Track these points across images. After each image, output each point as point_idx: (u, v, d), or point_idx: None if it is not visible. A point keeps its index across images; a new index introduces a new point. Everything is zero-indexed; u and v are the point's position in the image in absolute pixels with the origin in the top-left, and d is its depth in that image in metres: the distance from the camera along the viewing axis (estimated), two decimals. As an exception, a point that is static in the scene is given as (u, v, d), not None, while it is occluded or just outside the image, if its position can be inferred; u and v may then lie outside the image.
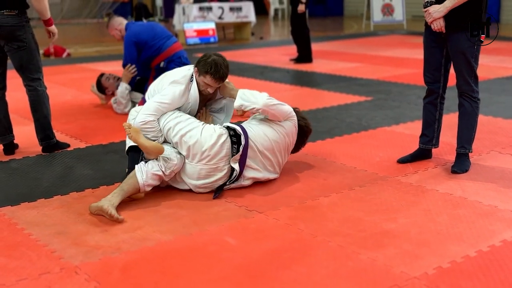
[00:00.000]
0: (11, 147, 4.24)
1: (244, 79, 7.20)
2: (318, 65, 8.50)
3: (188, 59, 5.44)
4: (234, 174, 3.30)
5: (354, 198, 3.25)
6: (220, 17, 12.35)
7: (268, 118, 3.47)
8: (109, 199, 3.04)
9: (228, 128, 3.34)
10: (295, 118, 3.56)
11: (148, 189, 3.22)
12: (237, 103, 3.43)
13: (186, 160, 3.29)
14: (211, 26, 12.13)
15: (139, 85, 5.47)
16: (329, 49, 10.54)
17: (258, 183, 3.46)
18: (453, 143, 4.00)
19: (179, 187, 3.37)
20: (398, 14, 13.85)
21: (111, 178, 3.65)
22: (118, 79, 5.61)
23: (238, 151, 3.27)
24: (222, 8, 12.38)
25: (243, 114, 3.63)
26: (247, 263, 2.53)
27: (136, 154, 3.31)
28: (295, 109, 3.62)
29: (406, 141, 4.33)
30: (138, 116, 3.36)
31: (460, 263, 2.48)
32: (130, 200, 3.22)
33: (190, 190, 3.37)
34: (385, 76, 7.38)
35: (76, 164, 3.96)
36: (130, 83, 5.37)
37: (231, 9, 12.48)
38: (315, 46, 9.49)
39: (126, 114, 5.41)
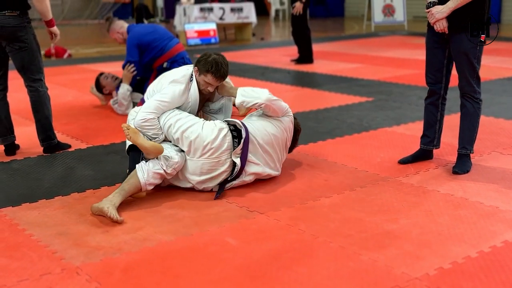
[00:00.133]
0: (12, 148, 4.24)
1: (245, 80, 7.20)
2: (319, 66, 8.50)
3: (190, 60, 5.45)
4: (235, 169, 3.31)
5: (355, 199, 3.25)
6: (221, 18, 12.36)
7: (267, 114, 3.49)
8: (110, 199, 3.05)
9: (228, 123, 3.37)
10: (291, 114, 3.62)
11: (150, 188, 3.22)
12: (238, 100, 3.44)
13: (188, 156, 3.29)
14: (212, 27, 12.13)
15: (139, 85, 5.48)
16: (330, 49, 10.54)
17: (259, 183, 3.47)
18: (454, 144, 3.99)
19: (180, 185, 3.37)
20: (399, 15, 13.85)
21: (112, 178, 3.65)
22: (116, 79, 5.63)
23: (239, 144, 3.28)
24: (223, 8, 12.38)
25: (245, 114, 3.64)
26: (248, 263, 2.53)
27: (137, 154, 3.32)
28: None
29: (407, 141, 4.33)
30: (138, 114, 3.37)
31: (461, 264, 2.48)
32: (131, 200, 3.22)
33: (191, 190, 3.38)
34: (386, 76, 7.38)
35: (77, 165, 3.96)
36: (130, 84, 5.37)
37: (232, 9, 12.48)
38: (316, 47, 9.50)
39: (127, 114, 5.42)
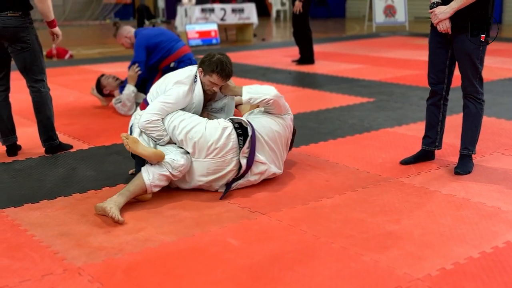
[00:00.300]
0: (14, 148, 4.24)
1: (246, 81, 7.20)
2: (320, 67, 8.50)
3: (196, 61, 5.48)
4: (242, 169, 3.31)
5: (357, 200, 3.25)
6: (222, 19, 12.36)
7: (270, 111, 3.50)
8: (115, 199, 3.05)
9: (232, 121, 3.36)
10: (291, 112, 3.65)
11: (155, 189, 3.22)
12: (245, 97, 3.44)
13: (193, 158, 3.29)
14: (213, 27, 12.13)
15: (141, 86, 5.49)
16: (331, 50, 10.54)
17: (260, 183, 3.46)
18: (456, 145, 3.99)
19: (187, 187, 3.37)
20: (400, 16, 13.85)
21: (114, 179, 3.66)
22: (117, 79, 5.66)
23: (245, 142, 3.28)
24: (224, 9, 12.39)
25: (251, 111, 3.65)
26: (249, 264, 2.53)
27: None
28: None
29: (409, 142, 4.33)
30: (142, 116, 3.37)
31: (464, 265, 2.48)
32: (133, 201, 3.22)
33: (193, 190, 3.37)
34: (387, 77, 7.37)
35: (79, 165, 3.97)
36: (135, 85, 5.39)
37: (233, 10, 12.48)
38: (317, 48, 9.49)
39: (129, 115, 5.41)
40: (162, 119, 3.35)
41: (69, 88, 7.04)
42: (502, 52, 9.38)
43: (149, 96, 3.58)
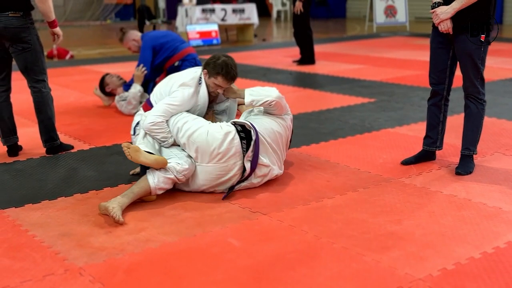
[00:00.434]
0: (15, 149, 4.24)
1: (247, 81, 7.21)
2: (321, 67, 8.50)
3: (200, 62, 5.52)
4: (245, 173, 3.30)
5: (358, 200, 3.25)
6: (223, 19, 12.36)
7: (271, 112, 3.49)
8: (119, 200, 3.05)
9: (235, 124, 3.34)
10: (290, 112, 3.64)
11: (160, 192, 3.23)
12: (248, 99, 3.44)
13: (196, 163, 3.28)
14: (214, 28, 12.14)
15: (144, 85, 5.51)
16: (331, 50, 10.54)
17: (262, 184, 3.46)
18: (457, 145, 3.99)
19: (190, 189, 3.36)
20: (401, 16, 13.85)
21: (115, 179, 3.66)
22: (121, 79, 5.70)
23: (248, 146, 3.27)
24: (225, 10, 12.39)
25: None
26: (250, 264, 2.53)
27: None
28: None
29: (410, 142, 4.33)
30: (147, 117, 3.36)
31: (465, 265, 2.48)
32: (138, 201, 3.21)
33: (195, 191, 3.37)
34: (388, 77, 7.37)
35: (80, 166, 3.97)
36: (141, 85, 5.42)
37: (234, 11, 12.48)
38: (317, 48, 9.49)
39: (131, 115, 5.42)
40: (167, 121, 3.35)
41: (70, 88, 7.05)
42: (503, 52, 9.37)
43: (152, 97, 3.57)
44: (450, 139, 4.22)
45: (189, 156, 3.28)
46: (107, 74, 5.80)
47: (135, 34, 5.61)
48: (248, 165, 3.29)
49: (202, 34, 11.99)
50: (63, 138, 4.56)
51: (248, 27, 12.96)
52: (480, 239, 2.72)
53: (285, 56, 9.77)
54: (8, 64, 4.14)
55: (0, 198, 3.39)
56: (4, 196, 3.43)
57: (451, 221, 2.94)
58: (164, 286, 2.37)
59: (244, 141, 3.29)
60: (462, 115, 3.73)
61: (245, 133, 3.31)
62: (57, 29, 4.17)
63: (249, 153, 3.28)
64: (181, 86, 3.42)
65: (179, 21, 12.65)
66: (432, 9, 3.53)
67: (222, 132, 3.25)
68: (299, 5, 8.31)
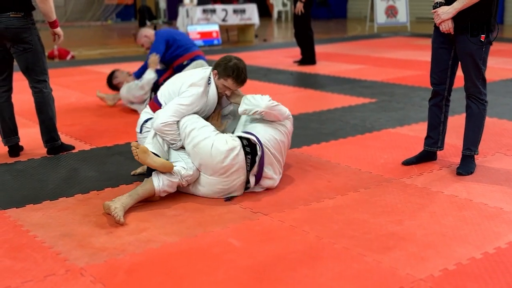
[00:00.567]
0: (16, 149, 4.25)
1: (248, 81, 7.15)
2: (321, 67, 8.50)
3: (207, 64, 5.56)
4: (249, 186, 3.30)
5: (359, 200, 3.25)
6: (223, 20, 12.36)
7: (269, 120, 3.45)
8: (123, 200, 3.06)
9: (241, 137, 3.28)
10: (291, 117, 3.59)
11: (164, 195, 3.23)
12: (240, 108, 3.44)
13: (201, 172, 3.28)
14: (214, 28, 12.13)
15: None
16: (332, 51, 10.54)
17: (262, 185, 3.46)
18: (458, 145, 3.99)
19: (190, 193, 3.36)
20: (402, 16, 13.84)
21: (116, 180, 3.66)
22: (130, 75, 5.74)
23: (253, 161, 3.24)
24: (225, 10, 12.39)
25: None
26: (251, 264, 2.52)
27: None
28: None
29: (411, 143, 4.33)
30: (158, 117, 3.33)
31: (466, 265, 2.48)
32: (141, 201, 3.21)
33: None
34: (389, 78, 7.37)
35: (81, 166, 3.97)
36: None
37: (235, 11, 12.48)
38: (318, 48, 9.49)
39: (133, 113, 5.42)
40: (178, 122, 3.32)
41: (70, 88, 7.05)
42: (504, 52, 9.37)
43: (160, 96, 3.54)
44: (451, 139, 4.22)
45: None
46: (117, 70, 5.90)
47: (148, 31, 5.69)
48: (252, 180, 3.29)
49: (203, 34, 11.99)
50: (64, 138, 4.56)
51: (249, 27, 12.96)
52: (481, 240, 2.72)
53: (286, 57, 9.77)
54: (9, 64, 4.14)
55: (1, 198, 3.39)
56: (5, 196, 3.43)
57: (452, 221, 2.94)
58: (165, 287, 2.37)
59: (249, 156, 3.24)
60: (463, 115, 3.73)
61: (251, 147, 3.25)
62: (58, 29, 4.17)
63: (255, 168, 3.26)
64: (191, 86, 3.40)
65: (180, 21, 12.65)
66: (434, 9, 3.53)
67: (226, 147, 3.19)
68: (300, 6, 8.32)
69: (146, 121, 3.57)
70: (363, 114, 5.34)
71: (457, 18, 3.45)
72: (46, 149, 4.25)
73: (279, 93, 6.43)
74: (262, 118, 3.46)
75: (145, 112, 3.62)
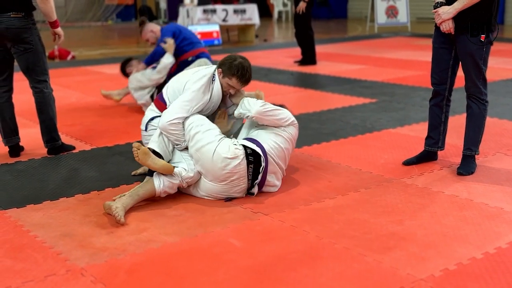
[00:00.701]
0: (16, 149, 4.25)
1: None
2: (322, 67, 8.50)
3: (212, 62, 5.59)
4: (253, 193, 3.29)
5: (360, 200, 3.25)
6: (224, 20, 12.37)
7: (266, 124, 3.42)
8: (123, 200, 3.06)
9: (245, 147, 3.23)
10: (296, 122, 3.51)
11: (164, 195, 3.23)
12: (236, 111, 3.44)
13: (202, 175, 3.27)
14: (215, 28, 12.14)
15: None
16: (333, 51, 10.54)
17: (263, 185, 3.46)
18: (459, 145, 3.99)
19: (190, 194, 3.36)
20: (403, 16, 13.84)
21: (117, 180, 3.66)
22: (140, 63, 5.73)
23: (256, 172, 3.21)
24: (226, 10, 12.39)
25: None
26: (252, 264, 2.52)
27: None
28: (283, 106, 3.58)
29: (411, 143, 4.32)
30: (163, 116, 3.32)
31: (467, 265, 2.48)
32: (141, 201, 3.21)
33: (195, 193, 3.38)
34: (389, 78, 7.37)
35: (81, 166, 3.97)
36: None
37: (235, 11, 12.49)
38: (319, 48, 9.49)
39: (134, 114, 5.42)
40: (183, 122, 3.30)
41: (71, 89, 7.05)
42: (505, 52, 9.37)
43: (165, 93, 3.53)
44: (451, 140, 4.22)
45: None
46: (134, 59, 5.88)
47: (154, 26, 5.70)
48: (256, 189, 3.28)
49: (203, 34, 11.99)
50: (65, 138, 4.56)
51: (249, 27, 12.96)
52: (482, 240, 2.72)
53: (287, 57, 9.77)
54: (10, 64, 4.14)
55: (1, 198, 3.39)
56: (6, 196, 3.43)
57: (453, 221, 2.94)
58: (166, 287, 2.36)
59: (251, 165, 3.21)
60: (464, 115, 3.73)
61: (254, 156, 3.21)
62: (59, 29, 4.17)
63: (258, 179, 3.24)
64: (194, 83, 3.38)
65: (181, 21, 12.65)
66: (434, 9, 3.53)
67: (228, 155, 3.15)
68: (303, 6, 8.31)
69: (152, 119, 3.56)
70: (364, 114, 5.34)
71: (458, 18, 3.44)
72: (46, 149, 4.25)
73: (279, 93, 6.43)
74: (258, 123, 3.44)
75: (151, 110, 3.61)
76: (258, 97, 3.57)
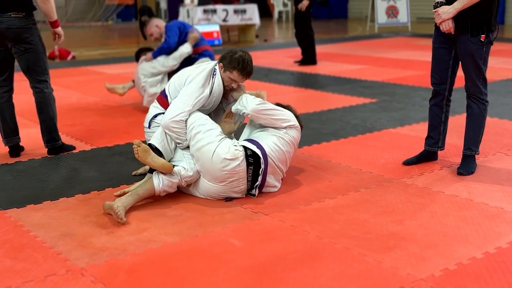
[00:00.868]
0: (17, 149, 4.25)
1: (249, 81, 7.16)
2: (322, 67, 8.50)
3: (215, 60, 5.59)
4: (254, 194, 3.29)
5: (360, 200, 3.25)
6: (224, 20, 12.37)
7: (263, 124, 3.42)
8: (123, 200, 3.06)
9: (245, 148, 3.23)
10: (298, 125, 3.48)
11: (163, 194, 3.24)
12: (234, 107, 3.44)
13: (201, 175, 3.27)
14: (215, 28, 12.14)
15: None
16: (333, 51, 10.54)
17: (263, 185, 3.46)
18: (459, 145, 3.99)
19: (189, 193, 3.37)
20: (403, 16, 13.84)
21: (117, 180, 3.66)
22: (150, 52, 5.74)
23: (255, 172, 3.21)
24: (226, 10, 12.39)
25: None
26: (252, 264, 2.52)
27: None
28: (287, 107, 3.58)
29: (412, 143, 4.32)
30: (166, 113, 3.32)
31: (467, 265, 2.48)
32: (141, 201, 3.21)
33: (195, 193, 3.38)
34: (389, 78, 7.37)
35: (81, 166, 3.97)
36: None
37: (236, 11, 12.49)
38: (319, 48, 9.50)
39: (134, 114, 5.42)
40: (186, 119, 3.29)
41: (71, 89, 7.05)
42: (505, 52, 9.37)
43: (167, 90, 3.53)
44: (452, 139, 4.22)
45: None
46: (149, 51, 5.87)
47: (159, 21, 5.74)
48: (255, 191, 3.28)
49: (204, 34, 11.84)
50: (65, 138, 4.56)
51: (250, 27, 12.96)
52: (482, 239, 2.72)
53: (287, 57, 9.77)
54: (11, 64, 4.14)
55: (1, 198, 3.39)
56: (6, 196, 3.43)
57: (453, 221, 2.93)
58: (166, 287, 2.36)
59: (251, 167, 3.21)
60: (464, 115, 3.73)
61: (254, 158, 3.21)
62: (59, 29, 4.17)
63: (258, 180, 3.24)
64: (194, 78, 3.38)
65: (181, 21, 12.64)
66: (434, 8, 3.53)
67: (228, 156, 3.14)
68: (305, 3, 8.31)
69: (155, 116, 3.56)
70: (364, 114, 5.34)
71: (458, 18, 3.44)
72: (46, 149, 4.25)
73: (279, 93, 6.43)
74: (255, 121, 3.44)
75: (154, 107, 3.61)
76: (258, 96, 3.57)
